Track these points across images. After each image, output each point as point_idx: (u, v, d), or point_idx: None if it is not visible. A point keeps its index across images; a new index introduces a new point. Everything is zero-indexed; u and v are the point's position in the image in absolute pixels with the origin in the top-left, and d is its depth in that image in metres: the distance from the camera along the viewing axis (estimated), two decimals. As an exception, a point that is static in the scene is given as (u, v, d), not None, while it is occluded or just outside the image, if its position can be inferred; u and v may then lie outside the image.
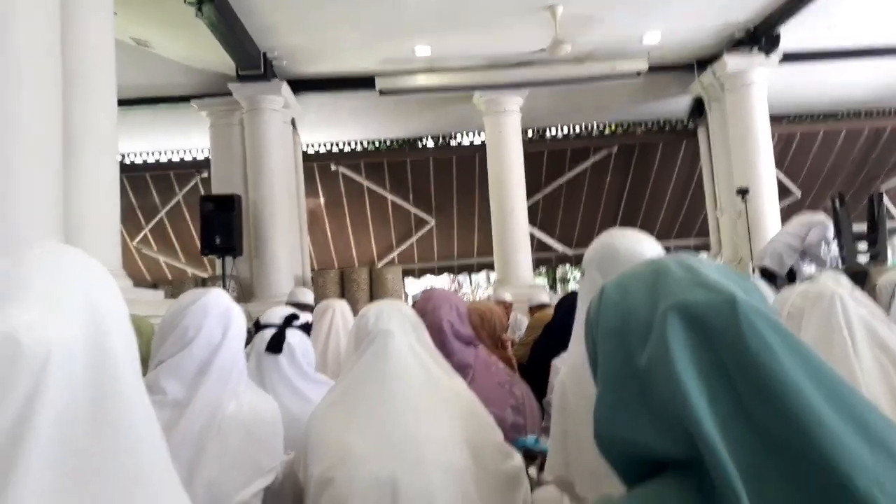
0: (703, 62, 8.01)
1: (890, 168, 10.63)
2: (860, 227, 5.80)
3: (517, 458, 1.53)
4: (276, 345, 2.01)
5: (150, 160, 9.90)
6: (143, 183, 9.92)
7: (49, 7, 3.16)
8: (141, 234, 10.33)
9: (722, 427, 0.59)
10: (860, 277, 4.94)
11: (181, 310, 1.51)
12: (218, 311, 1.53)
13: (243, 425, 1.48)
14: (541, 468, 1.73)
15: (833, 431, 0.56)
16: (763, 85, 7.77)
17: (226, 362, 1.49)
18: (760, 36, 7.25)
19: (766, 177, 7.67)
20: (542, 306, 5.19)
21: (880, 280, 2.90)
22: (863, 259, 5.33)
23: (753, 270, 6.45)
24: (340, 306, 2.98)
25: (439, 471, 1.35)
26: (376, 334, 1.51)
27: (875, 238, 5.34)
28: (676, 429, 0.61)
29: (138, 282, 9.50)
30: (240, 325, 1.58)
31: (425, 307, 2.12)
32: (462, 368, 1.98)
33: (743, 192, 7.16)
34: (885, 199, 7.16)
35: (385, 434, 1.37)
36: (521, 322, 6.11)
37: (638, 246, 1.30)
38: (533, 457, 1.80)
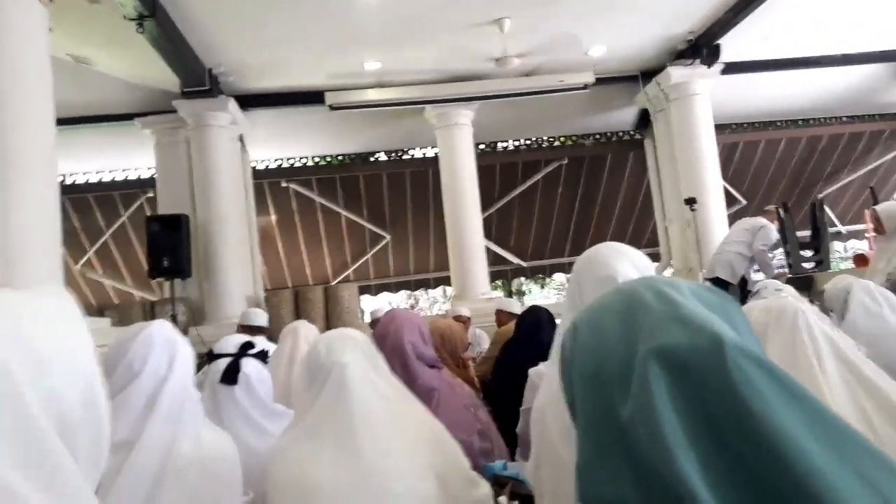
0: (648, 74, 8.19)
1: (828, 175, 11.05)
2: (803, 233, 5.98)
3: (484, 487, 1.49)
4: (231, 376, 1.93)
5: (94, 180, 9.58)
6: (86, 204, 9.58)
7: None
8: (85, 258, 9.97)
9: (716, 489, 0.53)
10: (806, 284, 5.10)
11: (123, 343, 1.43)
12: (161, 342, 1.45)
13: (202, 464, 1.40)
14: (511, 496, 1.69)
15: (835, 488, 0.51)
16: (706, 95, 7.98)
17: (174, 396, 1.41)
18: (702, 48, 7.45)
19: (712, 185, 7.86)
20: (510, 315, 5.16)
21: (828, 286, 2.97)
22: (807, 266, 5.49)
23: (704, 281, 6.58)
24: (305, 330, 2.88)
25: (407, 503, 1.30)
26: (331, 367, 1.46)
27: (818, 245, 5.51)
28: (664, 492, 0.55)
29: (83, 307, 9.21)
30: (186, 354, 1.51)
31: (387, 329, 2.07)
32: (427, 392, 1.94)
33: (690, 202, 7.31)
34: (825, 206, 7.40)
35: (350, 469, 1.32)
36: (480, 337, 6.08)
37: (614, 254, 1.29)
38: (502, 483, 1.76)
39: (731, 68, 7.85)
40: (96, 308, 8.23)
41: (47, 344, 0.63)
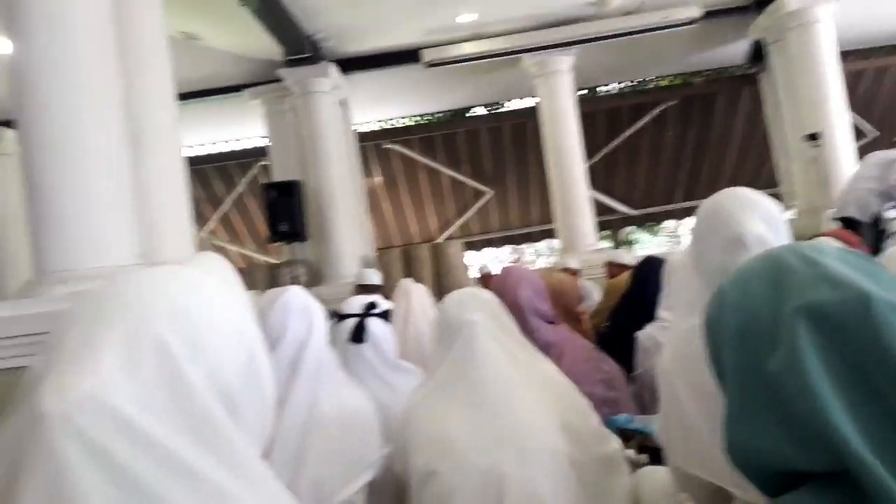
0: (762, 2, 7.60)
1: (972, 98, 9.96)
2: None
3: (615, 442, 1.50)
4: (358, 334, 2.02)
5: (211, 151, 10.12)
6: (205, 175, 10.16)
7: (104, 12, 3.21)
8: (208, 226, 10.61)
9: (868, 438, 0.55)
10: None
11: (263, 311, 1.53)
12: (299, 308, 1.54)
13: (342, 420, 1.49)
14: (638, 449, 1.69)
15: None
16: (829, 21, 7.32)
17: (314, 358, 1.50)
18: (823, -32, 6.83)
19: (837, 118, 7.27)
20: (621, 266, 5.07)
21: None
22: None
23: (832, 221, 6.17)
24: (416, 290, 2.97)
25: (543, 459, 1.33)
26: (461, 325, 1.50)
27: (964, 176, 5.00)
28: (817, 443, 0.58)
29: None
30: (321, 318, 1.60)
31: (503, 286, 2.09)
32: (546, 347, 1.95)
33: (813, 137, 6.82)
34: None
35: (485, 425, 1.36)
36: (589, 289, 6.01)
37: (741, 208, 1.22)
38: (628, 437, 1.76)
39: (857, -13, 7.16)
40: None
41: (205, 319, 0.66)
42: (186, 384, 0.61)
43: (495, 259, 11.99)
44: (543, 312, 2.09)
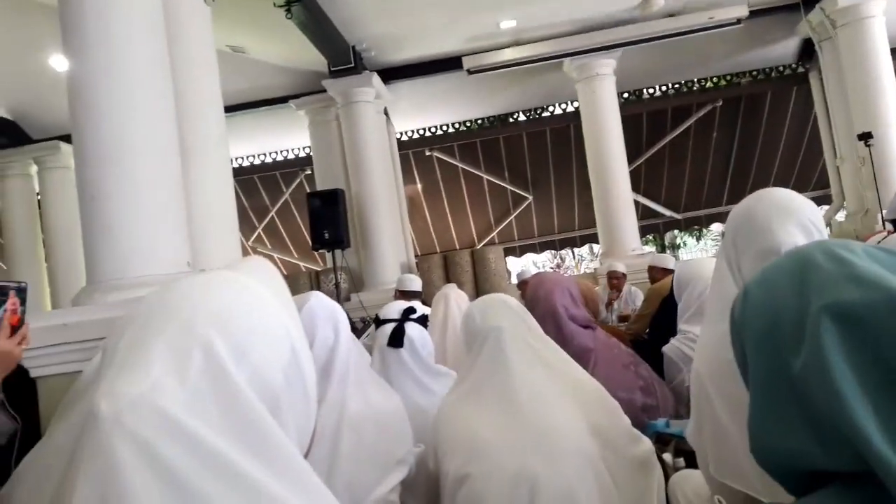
0: (810, 0, 7.42)
1: None
2: None
3: (646, 443, 1.50)
4: (397, 339, 2.06)
5: (257, 162, 10.36)
6: (252, 184, 10.41)
7: (157, 29, 3.34)
8: (255, 234, 10.86)
9: (891, 436, 0.54)
10: None
11: None
12: (325, 314, 1.58)
13: (373, 421, 1.52)
14: (675, 453, 1.68)
15: None
16: (881, 17, 7.10)
17: (343, 361, 1.54)
18: (875, -37, 6.64)
19: (891, 117, 7.03)
20: (664, 270, 5.01)
21: None
22: None
23: (884, 223, 5.97)
24: (455, 294, 3.00)
25: (574, 461, 1.34)
26: (487, 332, 1.51)
27: None
28: (842, 443, 0.57)
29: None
30: (345, 321, 1.63)
31: (537, 293, 2.10)
32: (583, 353, 1.96)
33: (865, 137, 6.61)
34: None
35: (516, 428, 1.37)
36: (635, 294, 5.95)
37: (777, 216, 1.20)
38: (666, 441, 1.76)
39: (911, -18, 6.93)
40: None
41: (249, 321, 0.68)
42: (232, 385, 0.63)
43: (535, 264, 11.92)
44: (579, 318, 2.09)
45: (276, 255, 11.10)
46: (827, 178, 8.79)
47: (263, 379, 0.66)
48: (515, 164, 10.33)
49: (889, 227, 5.51)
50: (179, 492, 0.57)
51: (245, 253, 9.63)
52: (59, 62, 6.31)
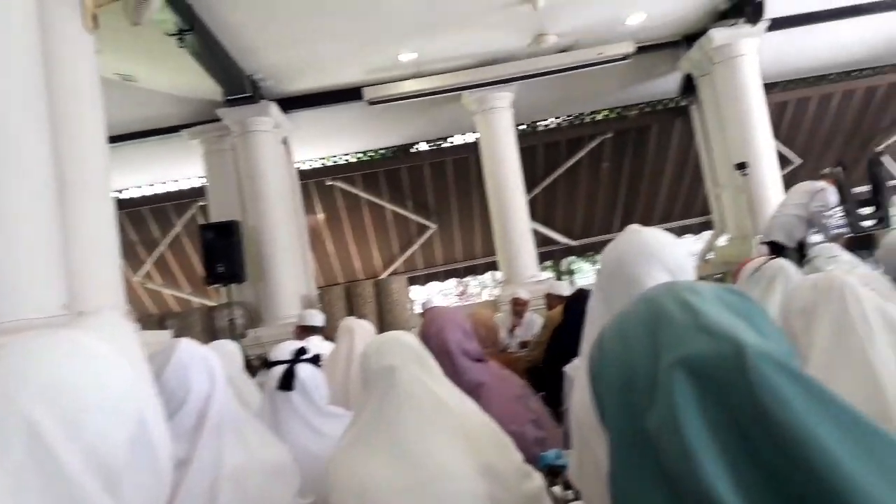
0: (691, 37, 7.95)
1: (887, 126, 10.55)
2: (863, 190, 5.76)
3: (537, 478, 1.50)
4: (287, 382, 1.99)
5: (147, 193, 9.91)
6: (141, 217, 9.92)
7: (33, 51, 3.15)
8: (144, 269, 10.33)
9: (742, 495, 0.54)
10: (867, 243, 4.90)
11: (156, 373, 1.47)
12: (197, 363, 1.50)
13: (256, 471, 1.45)
14: (565, 486, 1.70)
15: (861, 488, 0.50)
16: (753, 55, 7.70)
17: (220, 409, 1.47)
18: (744, 6, 7.19)
19: (763, 148, 7.61)
20: (560, 298, 5.14)
21: (884, 242, 2.85)
22: (867, 224, 5.28)
23: (760, 245, 6.40)
24: (360, 329, 2.93)
25: (462, 502, 1.32)
26: (379, 373, 1.49)
27: (878, 201, 5.29)
28: (693, 498, 0.56)
29: (144, 317, 9.54)
30: (219, 366, 1.56)
31: (429, 330, 2.09)
32: (475, 388, 1.96)
33: (741, 166, 7.10)
34: (884, 160, 7.09)
35: (406, 472, 1.35)
36: (535, 321, 6.07)
37: (644, 262, 1.24)
38: (556, 473, 1.77)
39: (777, 24, 7.55)
40: (158, 317, 8.54)
41: (85, 395, 0.62)
42: (60, 466, 0.57)
43: (441, 293, 11.99)
44: (472, 352, 2.09)
45: (166, 291, 10.60)
46: (709, 205, 9.35)
47: (99, 456, 0.61)
48: (418, 194, 10.40)
49: (764, 249, 5.92)
50: None
51: (130, 290, 9.13)
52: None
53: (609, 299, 1.26)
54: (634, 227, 1.35)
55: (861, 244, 4.65)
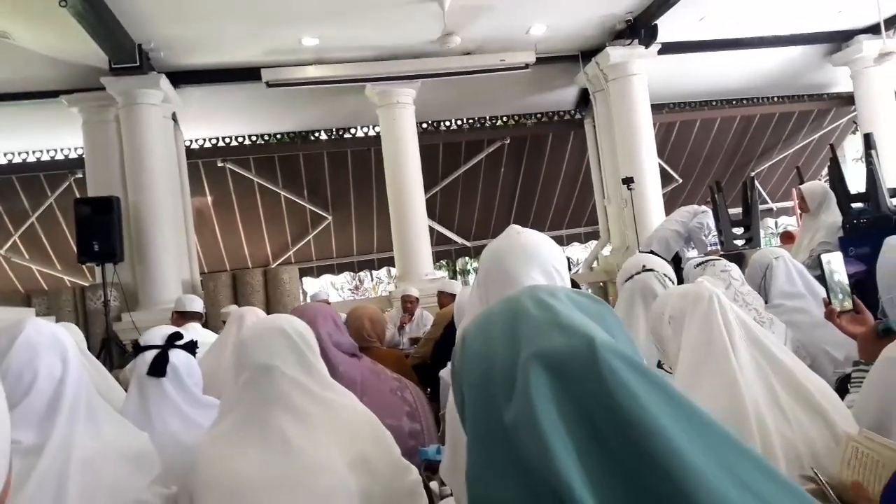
0: (588, 53, 8.28)
1: (760, 153, 11.43)
2: (735, 211, 6.19)
3: (414, 473, 1.50)
4: (158, 368, 1.88)
5: (17, 160, 9.13)
6: (9, 186, 9.12)
7: None
8: (10, 242, 9.52)
9: (593, 486, 0.56)
10: (737, 260, 5.27)
11: (1, 356, 1.35)
12: (47, 342, 1.39)
13: (110, 458, 1.36)
14: (442, 482, 1.71)
15: (701, 476, 0.54)
16: (644, 76, 8.11)
17: (73, 394, 1.37)
18: (640, 28, 7.56)
19: (649, 165, 8.03)
20: (452, 296, 5.21)
21: (750, 260, 3.11)
22: (738, 243, 5.68)
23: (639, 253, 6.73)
24: (252, 318, 2.82)
25: (334, 499, 1.30)
26: (257, 369, 1.44)
27: (749, 222, 5.70)
28: (546, 492, 0.58)
29: (9, 294, 8.78)
30: (74, 347, 1.45)
31: (300, 323, 2.05)
32: (349, 383, 1.93)
33: (628, 181, 7.45)
34: (756, 184, 7.66)
35: (278, 465, 1.31)
36: (426, 318, 6.10)
37: (523, 262, 1.26)
38: (434, 469, 1.78)
39: (668, 48, 8.00)
40: (24, 294, 7.90)
41: None
42: None
43: (333, 285, 11.85)
44: (344, 345, 2.07)
45: (35, 267, 9.82)
46: (597, 216, 9.76)
47: None
48: (315, 183, 10.18)
49: (584, 291, 6.25)
50: None
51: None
52: None
53: (486, 296, 1.28)
54: (516, 228, 1.37)
55: (731, 261, 4.98)
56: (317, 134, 9.87)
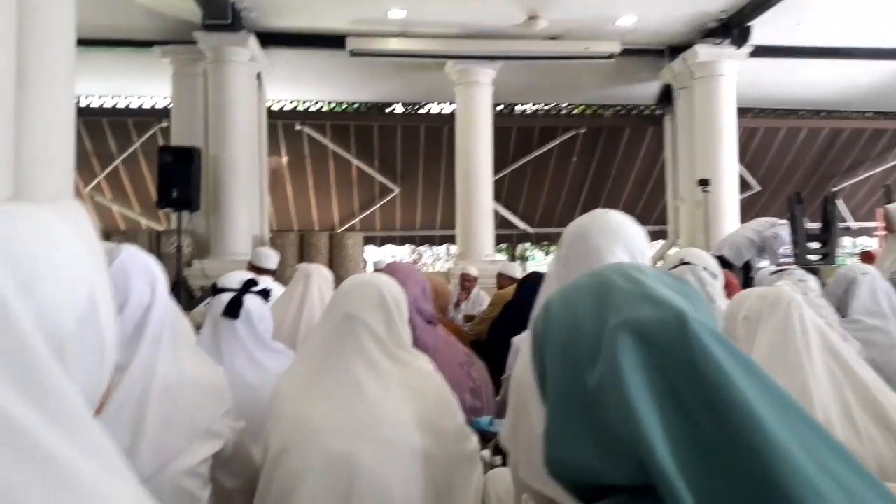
0: (675, 49, 8.05)
1: (845, 169, 10.94)
2: (813, 225, 5.97)
3: (474, 442, 1.54)
4: (233, 310, 1.97)
5: (108, 105, 9.54)
6: (99, 128, 9.56)
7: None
8: (95, 182, 9.99)
9: (675, 452, 0.57)
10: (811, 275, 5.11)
11: None
12: (139, 269, 1.45)
13: (188, 386, 1.42)
14: (494, 451, 1.74)
15: (785, 453, 0.54)
16: (732, 77, 7.85)
17: (159, 321, 1.43)
18: (732, 28, 7.31)
19: (728, 169, 7.79)
20: (511, 279, 5.21)
21: (836, 273, 3.01)
22: (813, 258, 5.49)
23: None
24: (318, 275, 2.90)
25: (398, 451, 1.35)
26: (341, 318, 1.49)
27: (826, 238, 5.50)
28: (628, 455, 0.59)
29: (89, 230, 9.25)
30: (163, 279, 1.51)
31: (390, 281, 2.09)
32: (423, 350, 1.97)
33: (704, 183, 7.26)
34: (838, 201, 7.37)
35: (345, 412, 1.36)
36: (482, 297, 6.13)
37: (607, 239, 1.27)
38: (487, 439, 1.81)
39: (760, 52, 7.70)
40: (103, 232, 8.29)
41: (40, 259, 0.62)
42: (11, 318, 0.55)
43: (393, 256, 11.97)
44: (426, 313, 2.11)
45: (115, 208, 10.28)
46: (666, 216, 9.55)
47: (50, 321, 0.60)
48: (386, 155, 10.30)
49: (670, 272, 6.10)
50: None
51: (80, 198, 8.83)
52: None
53: (566, 272, 1.28)
54: (602, 209, 1.38)
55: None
56: (393, 106, 9.96)
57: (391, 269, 2.21)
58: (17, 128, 3.15)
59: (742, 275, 5.56)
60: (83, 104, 9.25)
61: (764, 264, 5.64)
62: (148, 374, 1.37)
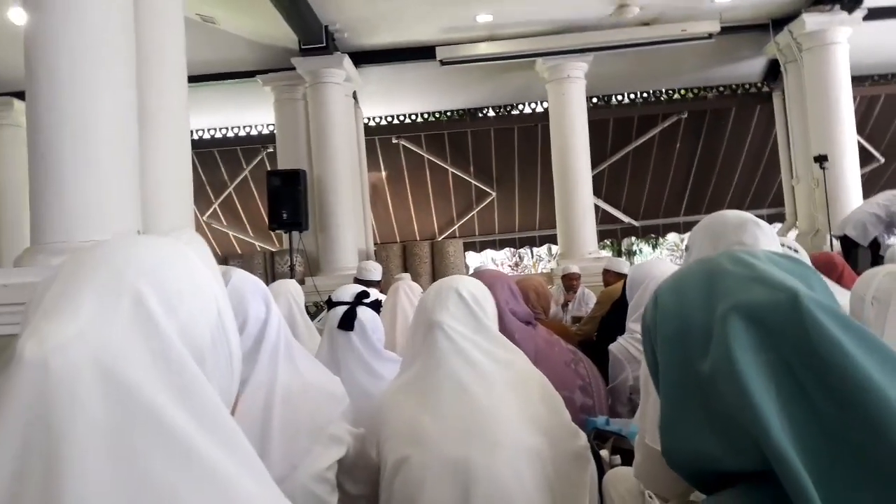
0: (780, 21, 7.58)
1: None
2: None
3: (582, 439, 1.52)
4: (347, 322, 2.04)
5: (218, 135, 10.14)
6: (211, 158, 10.19)
7: (121, -12, 3.22)
8: (210, 209, 10.64)
9: (793, 436, 0.56)
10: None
11: None
12: (252, 288, 1.55)
13: (308, 392, 1.49)
14: (612, 451, 1.70)
15: None
16: (845, 44, 7.31)
17: (275, 334, 1.52)
18: (842, -9, 6.83)
19: (846, 142, 7.26)
20: (618, 275, 5.10)
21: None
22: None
23: (832, 240, 6.18)
24: (405, 285, 3.02)
25: (511, 452, 1.35)
26: (429, 325, 1.51)
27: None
28: (745, 440, 0.58)
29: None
30: (270, 295, 1.61)
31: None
32: (525, 353, 1.96)
33: (821, 159, 6.81)
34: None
35: (457, 416, 1.38)
36: (588, 296, 6.03)
37: (744, 224, 1.25)
38: (604, 438, 1.78)
39: (875, 14, 7.13)
40: (221, 257, 8.81)
41: (179, 280, 0.68)
42: (161, 333, 0.61)
43: (493, 260, 12.01)
44: (520, 313, 2.10)
45: (231, 233, 10.90)
46: (782, 197, 9.03)
47: (191, 335, 0.65)
48: (481, 159, 10.35)
49: (838, 246, 5.71)
50: (107, 436, 0.56)
51: (198, 227, 9.44)
52: (17, 15, 6.07)
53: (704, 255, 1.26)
54: (724, 210, 1.37)
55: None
56: (485, 111, 9.99)
57: (477, 275, 2.23)
58: (141, 167, 3.40)
59: (870, 254, 5.17)
60: (195, 137, 9.88)
61: (893, 241, 5.21)
62: (270, 383, 1.46)
